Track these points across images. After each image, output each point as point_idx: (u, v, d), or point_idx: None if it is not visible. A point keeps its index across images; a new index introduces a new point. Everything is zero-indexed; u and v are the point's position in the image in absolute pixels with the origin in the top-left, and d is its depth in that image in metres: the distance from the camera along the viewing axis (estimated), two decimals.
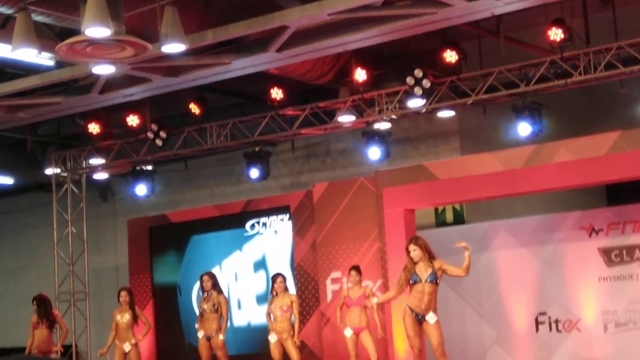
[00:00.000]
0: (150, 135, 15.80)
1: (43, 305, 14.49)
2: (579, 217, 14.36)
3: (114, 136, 16.75)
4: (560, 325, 14.15)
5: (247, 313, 16.14)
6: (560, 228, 14.38)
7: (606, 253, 13.94)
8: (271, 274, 14.00)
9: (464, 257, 10.88)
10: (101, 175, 17.82)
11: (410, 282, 11.09)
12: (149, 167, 16.91)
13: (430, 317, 11.02)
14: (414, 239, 11.38)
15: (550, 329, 14.21)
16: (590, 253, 14.01)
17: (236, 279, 16.27)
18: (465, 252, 10.86)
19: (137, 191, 16.86)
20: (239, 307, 16.14)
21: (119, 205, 19.50)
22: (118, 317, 14.43)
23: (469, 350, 14.37)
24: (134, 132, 16.14)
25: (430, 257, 11.12)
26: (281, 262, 15.73)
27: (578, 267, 14.12)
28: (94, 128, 16.07)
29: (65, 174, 17.45)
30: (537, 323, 14.37)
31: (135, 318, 14.46)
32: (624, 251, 13.80)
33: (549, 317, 14.27)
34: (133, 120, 15.76)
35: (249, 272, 16.19)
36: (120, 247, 18.64)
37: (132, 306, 14.53)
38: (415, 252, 11.10)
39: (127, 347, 14.28)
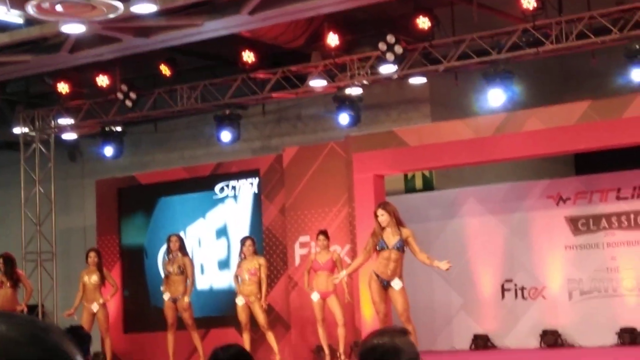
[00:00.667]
0: (120, 96, 15.69)
1: (9, 264, 14.42)
2: (547, 185, 14.45)
3: (84, 96, 16.61)
4: (526, 293, 14.27)
5: (210, 278, 16.11)
6: (528, 196, 14.46)
7: (573, 222, 14.05)
8: (232, 240, 14.00)
9: (432, 260, 10.99)
10: (70, 136, 17.68)
11: (377, 248, 11.12)
12: (119, 128, 16.80)
13: (396, 284, 11.07)
14: (383, 204, 11.41)
15: (516, 296, 14.32)
16: (557, 221, 14.12)
17: (199, 244, 16.23)
18: (435, 263, 10.95)
19: (106, 152, 16.76)
20: (202, 272, 16.11)
21: (88, 166, 19.37)
22: (86, 277, 14.41)
23: (435, 316, 14.47)
24: (104, 93, 16.01)
25: (399, 223, 11.14)
26: (243, 228, 15.69)
27: (545, 235, 14.22)
28: (63, 87, 15.94)
29: (34, 133, 17.30)
30: (503, 290, 14.48)
31: (102, 279, 14.45)
32: (591, 220, 13.91)
33: (515, 285, 14.38)
34: (103, 80, 15.63)
35: (211, 238, 16.13)
36: (88, 208, 18.54)
37: (100, 267, 14.51)
38: (383, 217, 11.11)
39: (94, 307, 14.27)
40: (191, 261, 14.26)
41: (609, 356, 11.40)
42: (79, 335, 5.17)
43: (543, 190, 14.37)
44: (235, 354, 4.34)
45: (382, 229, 11.11)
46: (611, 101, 13.30)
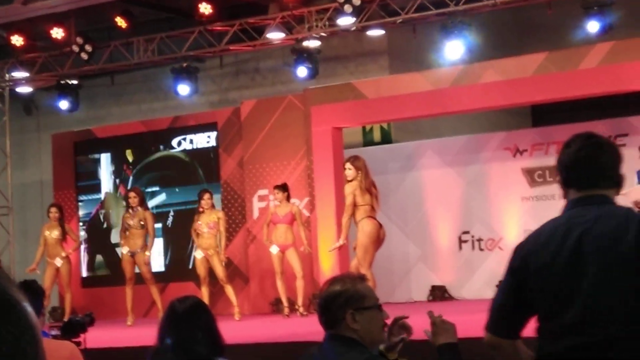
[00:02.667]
0: (75, 48, 15.48)
1: None
2: (504, 137, 14.53)
3: (38, 49, 16.38)
4: (482, 244, 14.40)
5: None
6: (485, 148, 14.54)
7: (529, 173, 14.16)
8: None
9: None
10: (25, 89, 17.46)
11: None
12: (74, 81, 16.61)
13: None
14: (352, 158, 11.60)
15: (473, 247, 14.45)
16: (514, 173, 14.22)
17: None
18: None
19: (62, 105, 16.57)
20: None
21: (43, 120, 19.17)
22: (47, 232, 14.35)
23: (393, 267, 14.56)
24: (59, 45, 15.79)
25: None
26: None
27: (502, 187, 14.33)
28: (17, 40, 15.69)
29: None
30: (461, 241, 14.60)
31: (64, 234, 14.40)
32: (547, 172, 14.02)
33: (472, 236, 14.50)
34: (58, 32, 15.41)
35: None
36: (44, 162, 18.39)
37: (61, 222, 14.46)
38: (350, 171, 11.31)
39: (58, 262, 14.24)
40: (152, 215, 14.23)
41: None
42: (32, 290, 5.13)
43: (500, 142, 14.45)
44: (192, 305, 4.34)
45: (349, 181, 11.32)
46: (567, 52, 13.35)
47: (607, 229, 3.17)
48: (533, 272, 3.26)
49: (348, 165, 11.43)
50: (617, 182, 3.34)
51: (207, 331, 4.28)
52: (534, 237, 3.33)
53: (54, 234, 14.33)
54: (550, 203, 13.99)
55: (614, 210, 3.27)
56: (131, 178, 16.30)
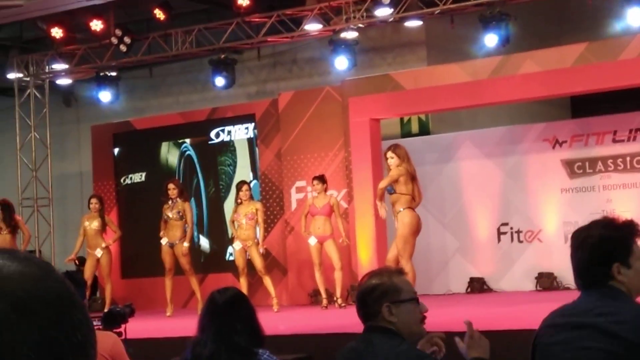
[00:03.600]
0: (114, 40, 15.57)
1: (7, 210, 14.45)
2: (543, 128, 14.44)
3: (78, 41, 16.49)
4: (521, 236, 14.32)
5: None
6: (524, 139, 14.46)
7: (569, 165, 14.06)
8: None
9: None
10: (64, 81, 17.60)
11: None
12: (113, 73, 16.71)
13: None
14: (393, 147, 11.59)
15: (512, 239, 14.39)
16: (553, 164, 14.13)
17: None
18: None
19: (101, 97, 16.68)
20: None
21: (83, 111, 19.31)
22: (86, 223, 14.48)
23: (431, 259, 14.53)
24: (98, 38, 15.88)
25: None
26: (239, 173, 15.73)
27: (541, 178, 14.25)
28: (57, 32, 15.81)
29: (28, 79, 17.21)
30: (499, 233, 14.54)
31: (104, 225, 14.53)
32: (587, 163, 13.92)
33: (511, 228, 14.43)
34: (97, 25, 15.50)
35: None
36: (84, 153, 18.52)
37: (101, 214, 14.59)
38: (393, 159, 11.28)
39: (98, 252, 14.37)
40: (191, 207, 14.31)
41: None
42: (75, 280, 5.19)
43: (539, 134, 14.36)
44: (232, 297, 4.37)
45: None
46: (607, 43, 13.25)
47: None
48: None
49: (390, 154, 11.34)
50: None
51: (246, 322, 4.31)
52: None
53: (93, 224, 14.45)
54: (590, 195, 13.91)
55: None
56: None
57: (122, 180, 16.91)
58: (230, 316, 4.28)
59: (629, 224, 3.42)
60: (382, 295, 3.66)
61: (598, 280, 3.39)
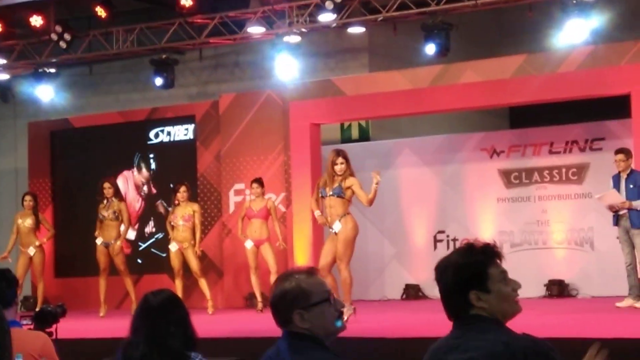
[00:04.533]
0: (54, 36, 15.38)
1: None
2: (482, 138, 14.58)
3: (17, 36, 16.27)
4: (457, 244, 14.41)
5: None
6: (462, 148, 14.58)
7: (506, 175, 14.21)
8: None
9: (370, 188, 10.93)
10: (2, 76, 17.35)
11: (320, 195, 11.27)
12: (52, 70, 16.51)
13: (336, 226, 11.13)
14: (342, 152, 11.40)
15: (448, 247, 14.47)
16: (490, 174, 14.27)
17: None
18: (373, 183, 10.88)
19: (39, 94, 16.47)
20: None
21: (20, 107, 19.05)
22: (20, 221, 14.30)
23: (368, 265, 14.57)
24: (37, 33, 15.69)
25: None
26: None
27: (478, 187, 14.38)
28: None
29: None
30: (436, 241, 14.63)
31: (37, 223, 14.36)
32: (523, 173, 14.08)
33: (447, 236, 14.53)
34: (36, 20, 15.31)
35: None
36: (20, 149, 18.28)
37: (35, 211, 14.42)
38: (343, 165, 11.14)
39: (31, 250, 14.21)
40: (126, 206, 14.20)
41: (538, 307, 11.60)
42: (6, 279, 5.10)
43: (477, 143, 14.49)
44: (166, 299, 4.32)
45: (333, 177, 11.15)
46: (547, 55, 13.42)
47: None
48: None
49: (340, 159, 11.19)
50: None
51: (180, 325, 4.27)
52: None
53: (27, 222, 14.28)
54: (526, 205, 14.07)
55: None
56: None
57: (58, 179, 16.71)
58: (164, 318, 4.23)
59: (485, 248, 3.36)
60: (291, 302, 3.54)
61: (460, 309, 3.35)
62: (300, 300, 3.53)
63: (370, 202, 11.12)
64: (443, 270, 3.45)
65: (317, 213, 11.48)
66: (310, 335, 3.53)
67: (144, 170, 16.09)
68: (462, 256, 3.41)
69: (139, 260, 15.77)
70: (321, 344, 3.55)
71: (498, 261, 3.36)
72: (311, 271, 3.70)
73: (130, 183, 16.15)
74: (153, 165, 16.01)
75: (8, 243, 14.36)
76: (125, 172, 16.16)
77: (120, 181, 15.84)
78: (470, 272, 3.34)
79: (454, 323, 3.39)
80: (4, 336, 1.18)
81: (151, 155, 16.01)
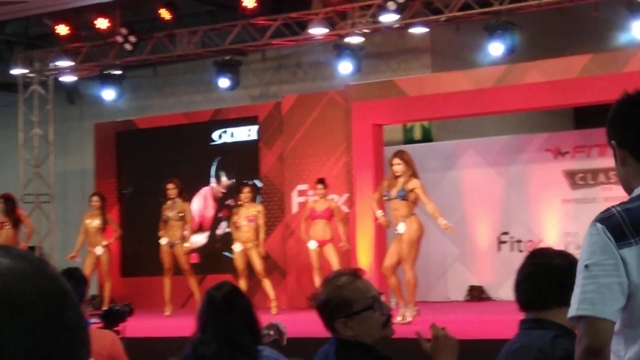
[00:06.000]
0: (119, 39, 15.58)
1: (9, 204, 14.48)
2: (546, 139, 14.44)
3: (83, 38, 16.50)
4: (522, 245, 14.31)
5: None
6: (526, 149, 14.46)
7: (571, 175, 14.06)
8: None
9: (439, 220, 11.13)
10: (69, 78, 17.60)
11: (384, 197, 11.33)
12: (118, 72, 16.71)
13: (400, 227, 11.19)
14: (400, 153, 11.46)
15: (512, 248, 14.38)
16: (555, 175, 14.13)
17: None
18: (439, 220, 11.18)
19: (105, 95, 16.68)
20: None
21: (86, 109, 19.30)
22: (88, 221, 14.48)
23: (431, 266, 14.51)
24: (103, 36, 15.90)
25: (413, 174, 11.26)
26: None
27: (542, 188, 14.25)
28: (62, 29, 15.82)
29: (33, 75, 17.22)
30: (499, 242, 14.54)
31: (105, 224, 14.52)
32: (589, 174, 13.92)
33: (512, 237, 14.43)
34: (102, 23, 15.52)
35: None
36: (86, 151, 18.52)
37: (102, 212, 14.59)
38: (399, 166, 11.18)
39: (98, 250, 14.37)
40: (190, 207, 14.31)
41: None
42: (75, 277, 5.18)
43: (542, 144, 14.36)
44: (229, 292, 4.32)
45: (395, 177, 11.20)
46: (612, 55, 13.25)
47: None
48: None
49: (397, 160, 11.24)
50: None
51: (246, 317, 4.27)
52: None
53: (94, 222, 14.45)
54: (591, 206, 13.88)
55: None
56: None
57: (123, 179, 16.91)
58: (230, 312, 4.23)
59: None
60: (333, 311, 3.47)
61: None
62: (342, 310, 3.45)
63: (432, 213, 11.22)
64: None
65: (379, 213, 11.51)
66: (355, 342, 3.46)
67: (223, 179, 16.12)
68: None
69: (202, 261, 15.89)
70: (369, 350, 3.47)
71: None
72: (356, 274, 3.59)
73: (210, 200, 16.16)
74: (214, 168, 16.10)
75: (76, 243, 14.57)
76: (203, 190, 16.19)
77: (197, 201, 15.87)
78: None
79: (523, 325, 3.38)
80: (82, 331, 1.20)
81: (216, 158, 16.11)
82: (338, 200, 14.05)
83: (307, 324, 12.03)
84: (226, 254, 15.57)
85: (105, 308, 7.25)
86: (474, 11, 13.64)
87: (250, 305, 4.33)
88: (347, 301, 3.45)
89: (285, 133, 15.14)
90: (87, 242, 14.47)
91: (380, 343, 3.52)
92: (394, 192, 11.19)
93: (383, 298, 3.61)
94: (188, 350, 4.25)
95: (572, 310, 2.67)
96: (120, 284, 16.16)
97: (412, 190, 11.14)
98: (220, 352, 4.17)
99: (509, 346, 3.37)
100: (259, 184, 15.41)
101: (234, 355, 4.17)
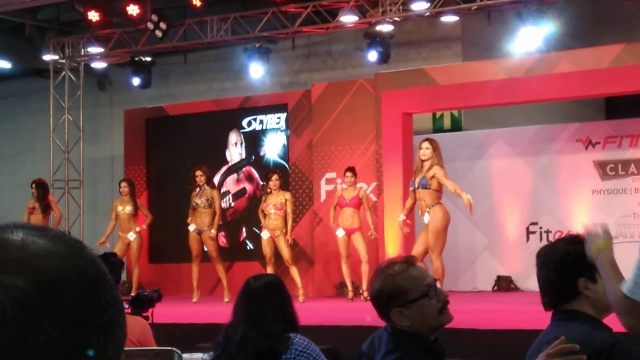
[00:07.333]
0: (150, 25, 15.61)
1: (41, 190, 14.58)
2: (577, 129, 14.35)
3: (114, 25, 16.56)
4: (551, 236, 14.22)
5: None
6: (557, 139, 14.38)
7: (601, 166, 13.97)
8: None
9: (462, 194, 11.08)
10: (99, 64, 17.68)
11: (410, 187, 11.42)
12: (148, 58, 16.78)
13: (425, 218, 11.23)
14: (429, 139, 11.60)
15: (541, 239, 14.30)
16: (585, 165, 14.04)
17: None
18: (463, 195, 11.16)
19: (135, 82, 16.75)
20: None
21: (116, 95, 19.39)
22: (119, 207, 14.54)
23: (459, 256, 14.48)
24: (134, 22, 15.94)
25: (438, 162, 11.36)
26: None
27: (572, 179, 14.16)
28: (93, 15, 15.87)
29: (64, 61, 17.30)
30: (528, 232, 14.47)
31: (136, 209, 14.58)
32: (619, 165, 13.82)
33: (540, 227, 14.36)
34: (133, 9, 15.55)
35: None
36: (116, 137, 18.61)
37: (133, 198, 14.64)
38: (428, 150, 11.29)
39: (131, 236, 14.44)
40: (219, 194, 14.34)
41: None
42: (111, 263, 5.22)
43: (572, 134, 14.27)
44: (266, 284, 4.39)
45: (422, 163, 11.25)
46: None
47: None
48: None
49: (426, 144, 11.37)
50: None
51: (279, 308, 4.33)
52: None
53: (126, 209, 14.51)
54: (622, 197, 13.81)
55: None
56: None
57: (152, 166, 16.98)
58: (263, 302, 4.31)
59: None
60: (388, 300, 3.39)
61: (563, 297, 3.30)
62: (397, 299, 3.38)
63: (457, 193, 11.24)
64: (546, 257, 3.37)
65: (400, 217, 11.78)
66: (410, 332, 3.40)
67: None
68: (570, 244, 3.37)
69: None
70: (423, 340, 3.41)
71: None
72: (410, 261, 3.53)
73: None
74: (244, 154, 16.13)
75: (106, 229, 14.64)
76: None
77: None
78: (582, 258, 3.30)
79: (553, 318, 3.35)
80: (119, 314, 1.20)
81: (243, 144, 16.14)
82: (366, 188, 14.03)
83: (334, 312, 12.07)
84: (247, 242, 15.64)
85: (133, 294, 7.29)
86: (505, 0, 13.57)
87: (287, 299, 4.40)
88: (402, 290, 3.38)
89: (315, 121, 15.13)
90: (119, 227, 14.54)
91: (436, 332, 3.47)
92: (417, 181, 11.28)
93: (439, 285, 3.55)
94: (220, 335, 4.33)
95: (627, 289, 2.69)
96: (148, 270, 16.23)
97: (433, 177, 11.18)
98: (247, 337, 4.22)
99: (542, 337, 3.34)
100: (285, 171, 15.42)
101: (261, 340, 4.22)
